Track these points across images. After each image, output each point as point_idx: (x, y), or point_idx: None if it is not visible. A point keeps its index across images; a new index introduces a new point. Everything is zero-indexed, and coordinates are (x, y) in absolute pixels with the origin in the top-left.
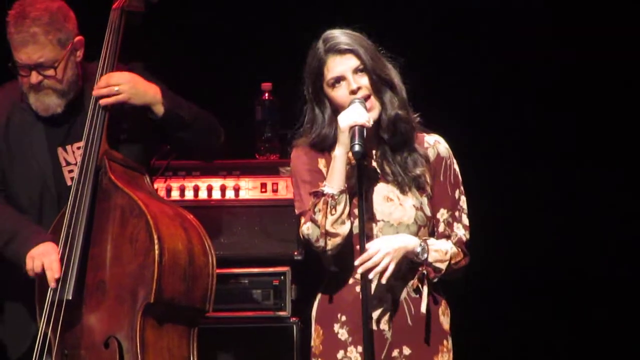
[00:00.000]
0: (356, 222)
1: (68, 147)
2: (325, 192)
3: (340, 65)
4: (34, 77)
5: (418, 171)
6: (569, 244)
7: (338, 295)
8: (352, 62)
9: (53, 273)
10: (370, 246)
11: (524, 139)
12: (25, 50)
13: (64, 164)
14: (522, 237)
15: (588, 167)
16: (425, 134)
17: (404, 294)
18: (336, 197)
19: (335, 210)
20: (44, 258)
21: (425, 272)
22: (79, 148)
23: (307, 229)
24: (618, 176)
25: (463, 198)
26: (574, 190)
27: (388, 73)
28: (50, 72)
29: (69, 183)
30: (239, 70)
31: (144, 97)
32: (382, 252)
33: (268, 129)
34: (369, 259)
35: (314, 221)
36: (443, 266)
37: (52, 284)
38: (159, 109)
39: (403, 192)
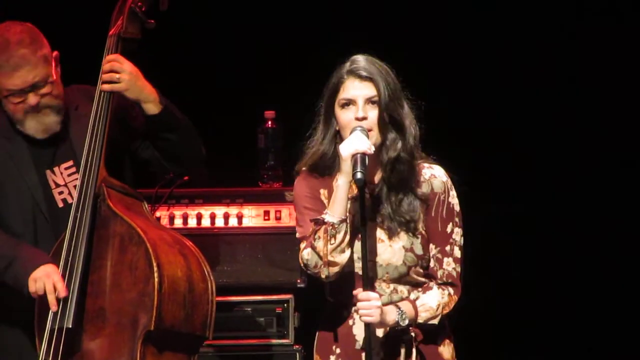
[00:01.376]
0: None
1: (56, 169)
2: (326, 220)
3: (356, 90)
4: (32, 99)
5: (409, 217)
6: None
7: (333, 327)
8: (368, 91)
9: (58, 292)
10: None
11: None
12: (19, 74)
13: (53, 186)
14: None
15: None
16: (424, 166)
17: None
18: (336, 225)
19: (335, 239)
20: (47, 279)
21: (413, 334)
22: (67, 168)
23: (306, 254)
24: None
25: (457, 230)
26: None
27: (400, 114)
28: (46, 89)
29: (60, 205)
30: (242, 98)
31: (139, 92)
32: (377, 303)
33: (271, 157)
34: (368, 300)
35: (313, 248)
36: (436, 321)
37: (53, 308)
38: (150, 107)
39: (392, 235)
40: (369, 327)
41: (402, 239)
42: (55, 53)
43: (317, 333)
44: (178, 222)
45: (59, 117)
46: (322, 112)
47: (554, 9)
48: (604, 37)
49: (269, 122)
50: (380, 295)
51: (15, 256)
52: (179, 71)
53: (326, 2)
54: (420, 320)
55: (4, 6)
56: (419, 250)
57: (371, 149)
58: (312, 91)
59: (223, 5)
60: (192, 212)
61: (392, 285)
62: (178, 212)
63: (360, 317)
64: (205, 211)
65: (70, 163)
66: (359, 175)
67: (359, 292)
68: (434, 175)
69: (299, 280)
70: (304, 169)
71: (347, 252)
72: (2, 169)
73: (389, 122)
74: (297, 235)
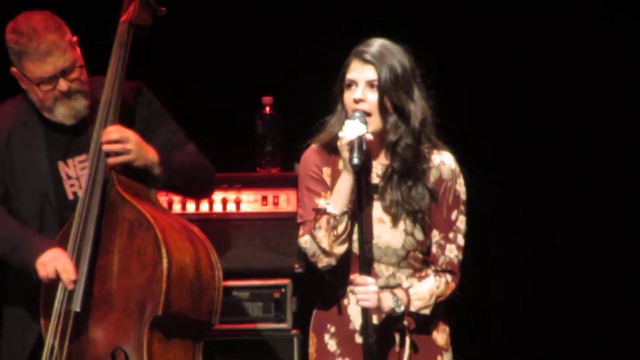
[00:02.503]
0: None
1: (69, 161)
2: (327, 211)
3: (357, 72)
4: (63, 85)
5: (417, 206)
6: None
7: (329, 306)
8: (369, 73)
9: (69, 275)
10: (371, 280)
11: None
12: (51, 60)
13: (65, 177)
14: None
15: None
16: (434, 152)
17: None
18: (338, 217)
19: (336, 231)
20: (57, 262)
21: (406, 323)
22: (80, 162)
23: (304, 242)
24: None
25: (462, 218)
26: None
27: (403, 100)
28: (75, 74)
29: (70, 197)
30: (240, 84)
31: (145, 158)
32: (374, 289)
33: (269, 143)
34: (364, 285)
35: (313, 236)
36: (428, 311)
37: (69, 286)
38: (158, 172)
39: (395, 219)
40: (366, 312)
41: (405, 224)
42: (75, 37)
43: (313, 311)
44: (177, 208)
45: (87, 101)
46: (338, 92)
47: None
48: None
49: (267, 108)
50: (378, 278)
51: (22, 240)
52: (177, 57)
53: None
54: (412, 309)
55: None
56: (419, 235)
57: (369, 135)
58: (310, 77)
59: None
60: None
61: (390, 269)
62: (176, 197)
63: (357, 301)
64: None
65: (84, 157)
66: (355, 161)
67: (356, 277)
68: (442, 162)
69: (296, 265)
70: (313, 145)
71: (346, 245)
72: (16, 155)
73: (390, 106)
74: (298, 218)
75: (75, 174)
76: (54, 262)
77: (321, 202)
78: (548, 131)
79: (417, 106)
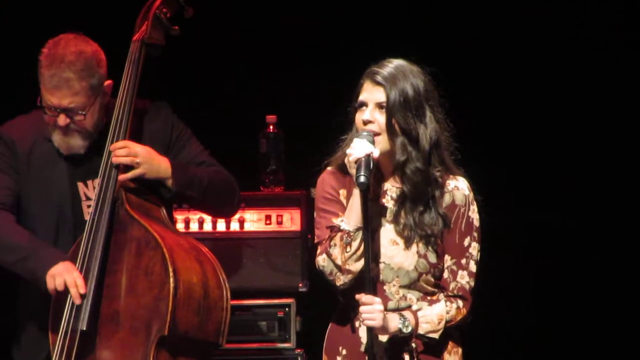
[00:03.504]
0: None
1: (89, 182)
2: (341, 228)
3: (368, 93)
4: (62, 120)
5: (430, 231)
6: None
7: (341, 327)
8: (378, 95)
9: (78, 289)
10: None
11: None
12: (58, 94)
13: (83, 198)
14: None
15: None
16: (449, 177)
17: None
18: (352, 234)
19: (350, 247)
20: (66, 275)
21: (414, 345)
22: None
23: (322, 260)
24: None
25: (474, 245)
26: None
27: (411, 122)
28: (80, 117)
29: (86, 217)
30: (244, 103)
31: (157, 171)
32: (380, 308)
33: (273, 162)
34: (371, 304)
35: (329, 255)
36: (436, 335)
37: (77, 300)
38: (170, 183)
39: (408, 242)
40: (371, 331)
41: (418, 246)
42: (107, 82)
43: (327, 332)
44: (180, 227)
45: (84, 142)
46: (352, 112)
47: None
48: None
49: (271, 127)
50: (389, 300)
51: (34, 250)
52: (181, 75)
53: (330, 8)
54: (420, 332)
55: (33, 10)
56: (432, 258)
57: (375, 152)
58: (314, 95)
59: (226, 10)
60: (194, 217)
61: (401, 292)
62: (180, 217)
63: (362, 320)
64: (207, 215)
65: (100, 174)
66: (361, 179)
67: (362, 296)
68: (457, 187)
69: (300, 284)
70: (329, 168)
71: (362, 261)
72: (37, 171)
73: (398, 128)
74: (315, 239)
75: (94, 195)
76: (64, 275)
77: (336, 220)
78: (558, 154)
79: (428, 129)
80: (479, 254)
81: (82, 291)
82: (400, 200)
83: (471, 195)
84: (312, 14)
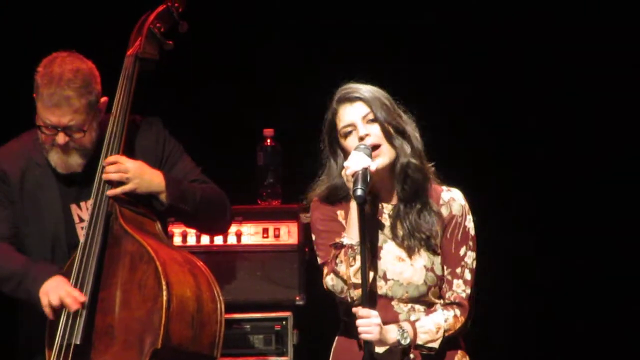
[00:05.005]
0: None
1: (82, 204)
2: (344, 243)
3: (349, 114)
4: (62, 139)
5: (428, 232)
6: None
7: (348, 344)
8: (361, 110)
9: (75, 298)
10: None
11: None
12: (57, 113)
13: (77, 220)
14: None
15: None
16: (443, 189)
17: None
18: (355, 247)
19: (355, 261)
20: (60, 290)
21: (412, 356)
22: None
23: (330, 280)
24: None
25: (470, 254)
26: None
27: (400, 122)
28: (79, 135)
29: (81, 239)
30: (241, 116)
31: (149, 186)
32: (376, 321)
33: (270, 175)
34: (368, 317)
35: (336, 273)
36: (436, 345)
37: (74, 307)
38: (164, 197)
39: (412, 253)
40: (367, 345)
41: (423, 258)
42: (103, 99)
43: (331, 352)
44: (177, 240)
45: (83, 160)
46: (327, 149)
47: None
48: None
49: (268, 140)
50: (398, 314)
51: (26, 271)
52: (177, 89)
53: (326, 21)
54: (419, 342)
55: (27, 24)
56: (439, 270)
57: (372, 166)
58: (311, 109)
59: (223, 22)
60: (192, 230)
61: (409, 305)
62: (177, 230)
63: (359, 334)
64: (199, 232)
65: (94, 188)
66: (358, 192)
67: (359, 310)
68: (453, 198)
69: (297, 298)
70: (316, 198)
71: (370, 273)
72: (29, 195)
73: (393, 131)
74: (319, 260)
75: (88, 216)
76: (57, 290)
77: (338, 238)
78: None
79: (412, 126)
80: (474, 262)
81: (82, 300)
82: (396, 212)
83: (467, 206)
84: (310, 27)
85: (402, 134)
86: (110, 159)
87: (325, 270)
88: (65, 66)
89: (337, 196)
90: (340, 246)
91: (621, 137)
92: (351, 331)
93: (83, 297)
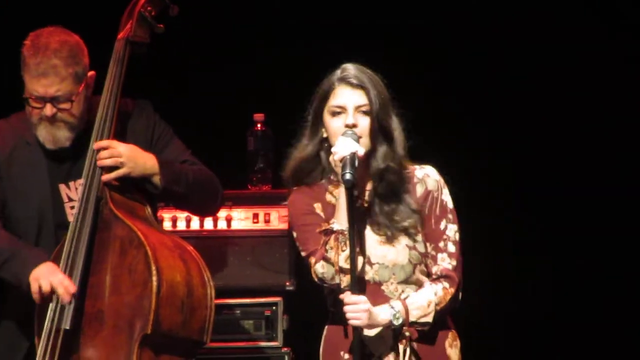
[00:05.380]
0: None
1: (71, 184)
2: (334, 229)
3: (346, 97)
4: (49, 110)
5: (406, 223)
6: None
7: (339, 333)
8: (359, 98)
9: (68, 288)
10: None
11: None
12: (44, 82)
13: (66, 199)
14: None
15: None
16: (416, 168)
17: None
18: (346, 232)
19: (347, 246)
20: (51, 277)
21: (408, 333)
22: (82, 184)
23: (321, 267)
24: None
25: (451, 226)
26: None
27: (390, 124)
28: (66, 105)
29: (70, 219)
30: (231, 101)
31: (143, 169)
32: (365, 307)
33: (260, 160)
34: (355, 303)
35: (326, 259)
36: (429, 318)
37: (66, 299)
38: (157, 180)
39: (392, 238)
40: (357, 330)
41: (404, 238)
42: (91, 73)
43: (321, 344)
44: (167, 225)
45: (70, 134)
46: (310, 118)
47: None
48: None
49: (258, 125)
50: (389, 299)
51: (14, 252)
52: (169, 72)
53: (319, 7)
54: (412, 319)
55: (17, 8)
56: (421, 247)
57: (361, 151)
58: (302, 94)
59: (214, 7)
60: (182, 215)
61: (399, 288)
62: (167, 215)
63: (347, 320)
64: (191, 214)
65: (84, 172)
66: (347, 176)
67: (346, 295)
68: (427, 175)
69: (287, 283)
70: (295, 188)
71: (360, 259)
72: (17, 172)
73: (380, 131)
74: (303, 253)
75: (77, 196)
76: (48, 277)
77: (327, 225)
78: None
79: (399, 130)
80: (457, 234)
81: (72, 290)
82: (372, 201)
83: (441, 180)
84: (300, 13)
85: (388, 136)
86: (102, 143)
87: (313, 259)
88: (51, 37)
89: (308, 169)
90: (330, 232)
91: (618, 136)
92: (339, 321)
93: (74, 288)
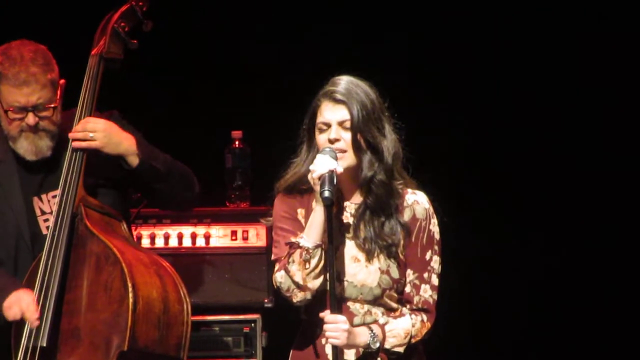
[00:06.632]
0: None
1: (43, 196)
2: (300, 244)
3: (329, 113)
4: (31, 119)
5: (390, 240)
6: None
7: (307, 345)
8: (341, 114)
9: (31, 314)
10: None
11: None
12: (26, 91)
13: (39, 213)
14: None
15: None
16: (408, 192)
17: None
18: (311, 251)
19: (309, 264)
20: (20, 303)
21: (379, 359)
22: (54, 197)
23: (280, 277)
24: None
25: (436, 258)
26: None
27: (375, 137)
28: (48, 113)
29: (44, 232)
30: (210, 118)
31: (117, 147)
32: (344, 327)
33: (238, 177)
34: (335, 322)
35: (287, 271)
36: (401, 349)
37: (34, 324)
38: (133, 160)
39: (370, 255)
40: (336, 349)
41: (380, 261)
42: (62, 81)
43: (291, 351)
44: (145, 242)
45: (52, 142)
46: (305, 134)
47: None
48: None
49: (237, 142)
50: (354, 316)
51: None
52: (148, 88)
53: (297, 23)
54: (387, 346)
55: None
56: (395, 273)
57: (339, 168)
58: (280, 111)
59: (191, 23)
60: (160, 232)
61: (366, 307)
62: (145, 232)
63: (326, 339)
64: (173, 231)
65: (60, 189)
66: (325, 194)
67: (326, 315)
68: (417, 202)
69: (266, 300)
70: (281, 192)
71: (321, 278)
72: None
73: (364, 143)
74: (272, 256)
75: (50, 209)
76: (17, 304)
77: (295, 238)
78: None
79: (389, 141)
80: (440, 267)
81: (35, 316)
82: (360, 214)
83: (431, 209)
84: (277, 29)
85: (374, 148)
86: (83, 120)
87: (277, 266)
88: (22, 48)
89: (302, 185)
90: (296, 246)
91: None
92: (311, 330)
93: (37, 313)
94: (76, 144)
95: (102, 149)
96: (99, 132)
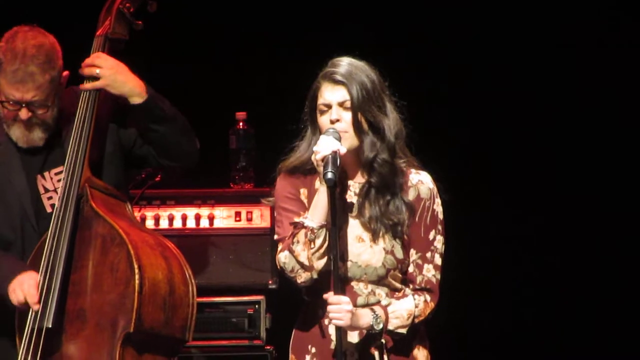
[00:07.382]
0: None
1: (46, 174)
2: (305, 224)
3: (329, 94)
4: (24, 114)
5: (396, 219)
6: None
7: (309, 326)
8: (341, 94)
9: (31, 298)
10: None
11: None
12: (22, 88)
13: (42, 191)
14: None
15: None
16: (412, 172)
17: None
18: (316, 230)
19: (314, 244)
20: (23, 286)
21: (383, 341)
22: (57, 174)
23: (284, 257)
24: None
25: (439, 238)
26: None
27: (376, 116)
28: (42, 110)
29: (48, 210)
30: (214, 99)
31: (122, 87)
32: (348, 308)
33: (242, 158)
34: (339, 303)
35: (291, 251)
36: (404, 330)
37: (34, 307)
38: (136, 100)
39: (375, 235)
40: (340, 330)
41: (385, 241)
42: (65, 73)
43: (293, 332)
44: (150, 224)
45: (44, 134)
46: (308, 117)
47: None
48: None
49: (241, 123)
50: (357, 296)
51: None
52: (150, 70)
53: (301, 6)
54: (390, 327)
55: None
56: (399, 254)
57: (342, 149)
58: (284, 92)
59: (196, 5)
60: (164, 214)
61: (370, 287)
62: (150, 214)
63: (330, 320)
64: (177, 212)
65: (61, 168)
66: (328, 175)
67: (330, 295)
68: (421, 181)
69: (270, 282)
70: (284, 172)
71: (325, 258)
72: None
73: (365, 123)
74: (275, 236)
75: (53, 186)
76: (20, 287)
77: (300, 218)
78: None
79: (390, 119)
80: (443, 247)
81: (35, 300)
82: (365, 193)
83: (435, 189)
84: (283, 12)
85: (376, 128)
86: (91, 56)
87: (280, 246)
88: (27, 42)
89: (305, 168)
90: (300, 226)
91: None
92: (314, 310)
93: (37, 298)
94: (82, 86)
95: (106, 87)
96: (106, 68)
